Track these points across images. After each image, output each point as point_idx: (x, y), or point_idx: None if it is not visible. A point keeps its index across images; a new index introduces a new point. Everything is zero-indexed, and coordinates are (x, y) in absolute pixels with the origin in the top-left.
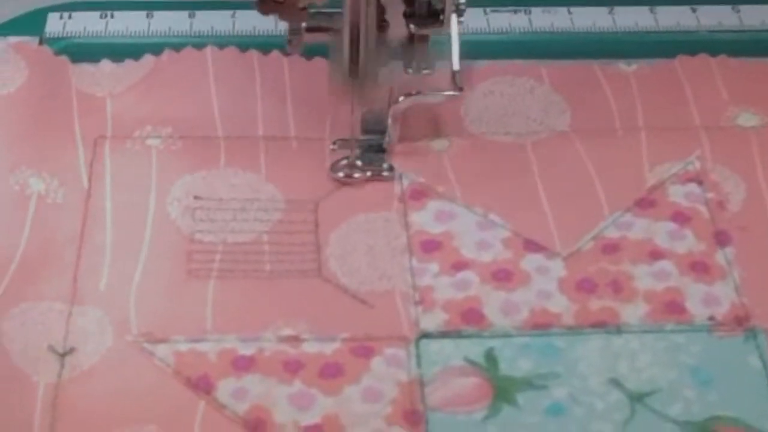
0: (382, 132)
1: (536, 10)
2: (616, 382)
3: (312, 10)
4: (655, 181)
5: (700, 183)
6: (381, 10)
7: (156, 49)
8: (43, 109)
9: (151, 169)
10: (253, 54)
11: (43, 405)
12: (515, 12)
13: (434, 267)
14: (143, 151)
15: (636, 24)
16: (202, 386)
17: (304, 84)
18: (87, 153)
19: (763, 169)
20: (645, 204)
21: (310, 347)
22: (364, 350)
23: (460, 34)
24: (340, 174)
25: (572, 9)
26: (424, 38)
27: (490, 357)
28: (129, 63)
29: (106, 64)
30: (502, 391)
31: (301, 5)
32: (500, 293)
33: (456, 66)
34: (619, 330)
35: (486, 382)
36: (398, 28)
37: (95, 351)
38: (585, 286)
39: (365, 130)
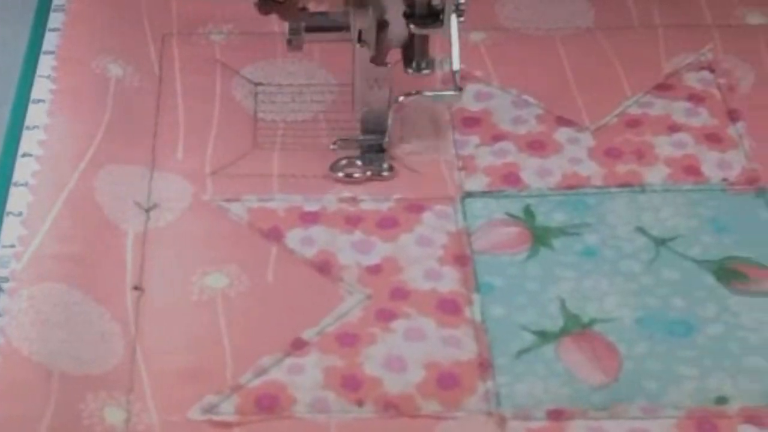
0: (382, 132)
1: None
2: (642, 230)
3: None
4: (671, 69)
5: (712, 71)
6: (381, 10)
7: None
8: (115, 8)
9: (215, 59)
10: None
11: (134, 250)
12: None
13: (475, 139)
14: (207, 45)
15: None
16: (273, 235)
17: None
18: (156, 47)
19: None
20: (663, 87)
21: (367, 206)
22: (415, 207)
23: None
24: (340, 174)
25: None
26: (424, 38)
27: (528, 211)
28: None
29: None
30: (540, 237)
31: (301, 5)
32: (535, 159)
33: (456, 66)
34: (643, 189)
35: (525, 230)
36: (398, 28)
37: (176, 207)
38: (612, 154)
39: (365, 130)
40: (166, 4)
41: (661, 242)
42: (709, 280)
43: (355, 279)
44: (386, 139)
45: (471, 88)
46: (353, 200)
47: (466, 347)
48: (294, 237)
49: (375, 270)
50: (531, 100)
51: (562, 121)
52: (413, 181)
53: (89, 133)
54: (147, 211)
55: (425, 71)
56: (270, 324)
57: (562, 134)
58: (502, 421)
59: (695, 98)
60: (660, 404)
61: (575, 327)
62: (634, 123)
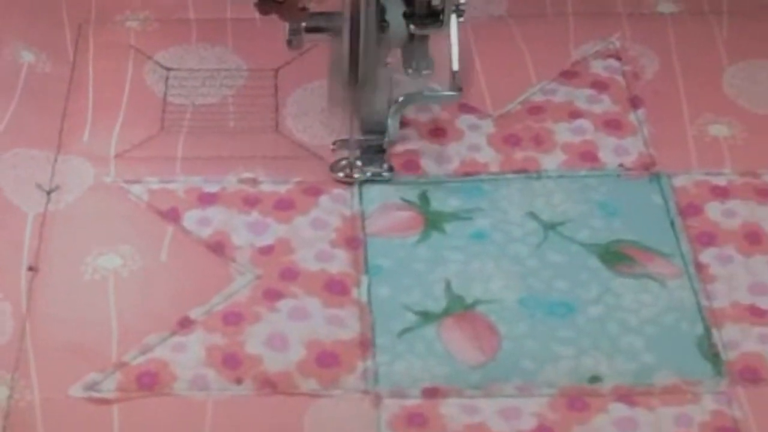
0: (382, 132)
1: None
2: (533, 215)
3: (312, 11)
4: (578, 57)
5: (618, 58)
6: (381, 10)
7: None
8: None
9: (129, 45)
10: None
11: (32, 231)
12: None
13: None
14: (123, 31)
15: None
16: (171, 216)
17: None
18: (72, 34)
19: (677, 47)
20: (569, 75)
21: (266, 187)
22: (313, 190)
23: None
24: (340, 174)
25: None
26: (424, 38)
27: (424, 197)
28: None
29: None
30: (433, 221)
31: (301, 5)
32: (435, 146)
33: (456, 66)
34: (539, 175)
35: (419, 215)
36: (398, 28)
37: (78, 189)
38: (510, 141)
39: (365, 130)
40: None
41: (550, 226)
42: (594, 262)
43: (248, 259)
44: (386, 139)
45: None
46: (253, 181)
47: (349, 326)
48: (191, 217)
49: (267, 251)
50: (437, 87)
51: (466, 109)
52: (315, 164)
53: None
54: (48, 193)
55: (425, 71)
56: (159, 303)
57: (464, 121)
58: (377, 399)
59: (599, 85)
60: (535, 383)
61: (458, 308)
62: (536, 110)
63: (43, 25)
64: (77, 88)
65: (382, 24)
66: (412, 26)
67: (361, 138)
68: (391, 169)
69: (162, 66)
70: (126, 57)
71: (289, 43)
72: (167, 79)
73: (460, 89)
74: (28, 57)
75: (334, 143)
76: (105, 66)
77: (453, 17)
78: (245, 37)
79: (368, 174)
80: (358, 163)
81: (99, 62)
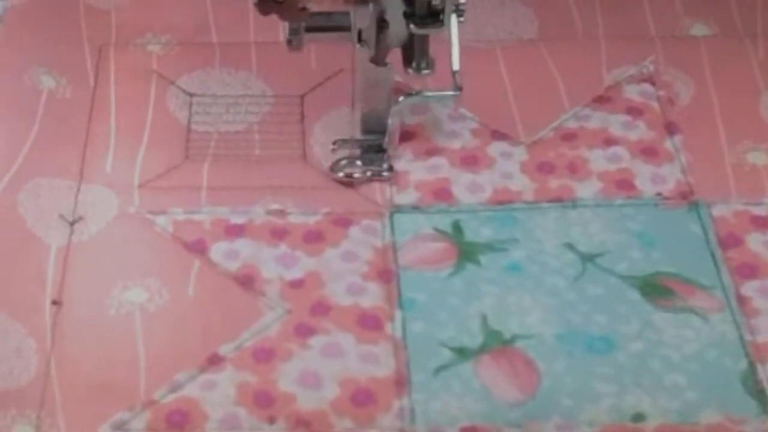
0: (382, 132)
1: None
2: (569, 246)
3: (312, 11)
4: (612, 81)
5: (652, 83)
6: (381, 10)
7: None
8: (53, 19)
9: (151, 70)
10: None
11: (56, 263)
12: None
13: (409, 154)
14: (144, 55)
15: None
16: (198, 248)
17: None
18: (93, 57)
19: (711, 71)
20: (602, 100)
21: (294, 219)
22: (343, 221)
23: None
24: (340, 174)
25: None
26: (424, 38)
27: (457, 227)
28: None
29: None
30: (467, 253)
31: (301, 5)
32: (467, 175)
33: (456, 66)
34: (574, 204)
35: (452, 246)
36: (398, 28)
37: (101, 220)
38: (544, 168)
39: (365, 130)
40: (105, 15)
41: (588, 258)
42: (634, 296)
43: (277, 293)
44: (386, 139)
45: (407, 101)
46: (281, 213)
47: (384, 364)
48: (218, 250)
49: (297, 284)
50: (467, 113)
51: (497, 135)
52: (343, 194)
53: (16, 146)
54: (71, 224)
55: (425, 71)
56: (188, 339)
57: (495, 148)
58: None
59: (634, 111)
60: (575, 421)
61: (495, 343)
62: (569, 137)
63: (63, 49)
64: (98, 115)
65: (382, 24)
66: (412, 26)
67: (361, 138)
68: (390, 168)
69: (185, 91)
70: (148, 81)
71: (289, 43)
72: (191, 105)
73: (460, 89)
74: (48, 82)
75: (334, 143)
76: (126, 91)
77: (453, 17)
78: (270, 61)
79: (368, 174)
80: (358, 162)
81: (120, 87)
